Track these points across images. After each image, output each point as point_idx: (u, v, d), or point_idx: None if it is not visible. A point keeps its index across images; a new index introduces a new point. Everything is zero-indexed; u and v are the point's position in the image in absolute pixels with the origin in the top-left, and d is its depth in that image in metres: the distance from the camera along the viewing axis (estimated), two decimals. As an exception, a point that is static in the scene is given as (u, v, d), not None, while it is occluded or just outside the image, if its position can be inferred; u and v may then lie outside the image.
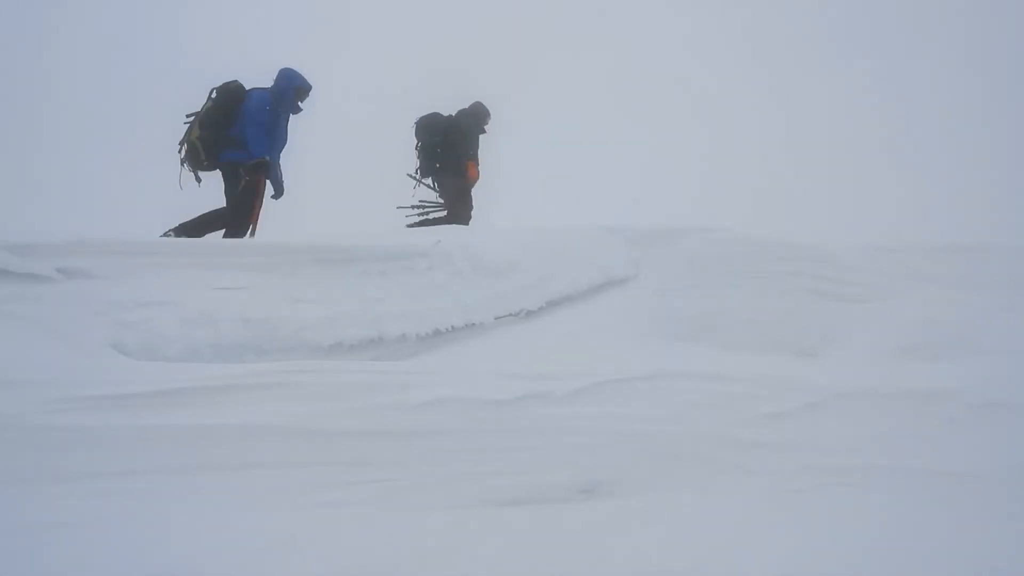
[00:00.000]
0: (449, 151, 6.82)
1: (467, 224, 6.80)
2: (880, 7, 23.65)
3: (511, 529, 2.21)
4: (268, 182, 6.10)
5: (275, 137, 5.99)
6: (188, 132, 5.97)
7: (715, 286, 5.51)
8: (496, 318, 4.97)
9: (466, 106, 7.05)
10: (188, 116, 6.00)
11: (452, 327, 4.75)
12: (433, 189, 7.07)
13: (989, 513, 2.47)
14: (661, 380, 3.34)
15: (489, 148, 7.35)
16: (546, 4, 26.61)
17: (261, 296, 4.32)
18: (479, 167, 6.96)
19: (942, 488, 2.68)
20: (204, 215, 5.91)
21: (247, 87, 6.06)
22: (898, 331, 5.02)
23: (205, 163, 5.90)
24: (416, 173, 6.95)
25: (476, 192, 7.13)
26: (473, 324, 4.85)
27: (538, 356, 4.39)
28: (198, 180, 5.96)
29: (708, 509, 2.42)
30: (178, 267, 4.35)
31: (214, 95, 5.96)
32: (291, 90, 6.01)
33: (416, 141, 6.90)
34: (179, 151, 5.93)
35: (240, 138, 5.82)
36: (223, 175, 5.93)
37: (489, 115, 7.02)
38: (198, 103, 6.12)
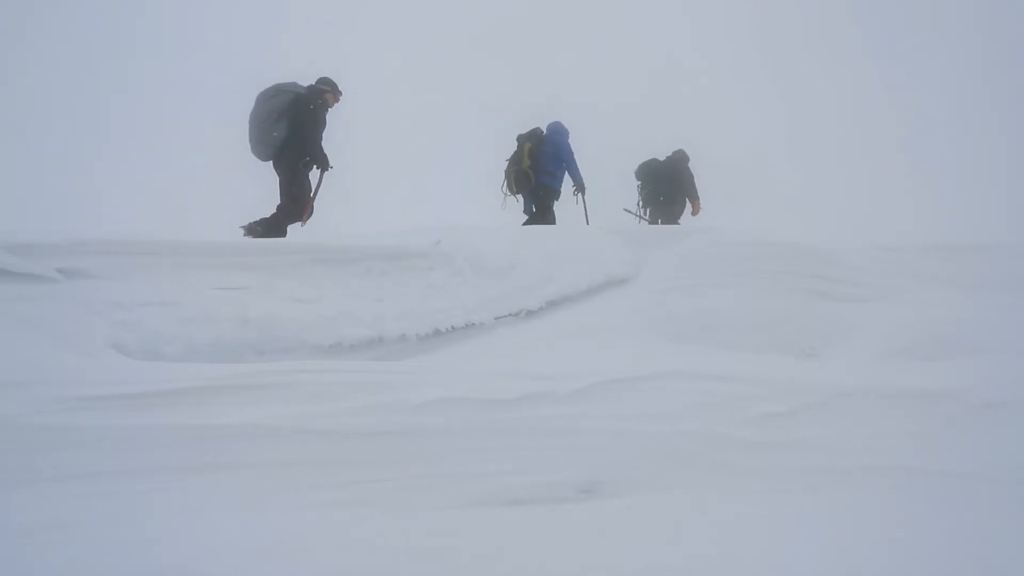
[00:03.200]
0: (669, 186, 8.87)
1: None
2: (883, 6, 23.65)
3: (511, 529, 2.21)
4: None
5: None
6: (516, 164, 8.06)
7: (715, 286, 5.51)
8: (496, 318, 4.97)
9: (671, 152, 9.17)
10: (507, 159, 8.19)
11: (452, 327, 4.75)
12: (642, 215, 9.05)
13: (989, 513, 2.47)
14: (661, 380, 3.34)
15: (489, 148, 7.76)
16: (547, 4, 26.61)
17: (261, 296, 4.31)
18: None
19: (942, 488, 2.68)
20: (532, 218, 8.04)
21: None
22: (898, 331, 5.02)
23: (533, 186, 8.02)
24: (639, 204, 9.07)
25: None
26: (473, 324, 4.85)
27: (538, 356, 4.39)
28: (517, 200, 8.23)
29: (707, 509, 2.42)
30: (178, 267, 4.34)
31: (525, 140, 8.13)
32: (567, 131, 8.27)
33: (637, 182, 9.12)
34: (503, 186, 8.17)
35: (546, 167, 8.03)
36: (537, 194, 8.05)
37: (689, 158, 9.11)
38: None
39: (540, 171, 8.06)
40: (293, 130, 6.43)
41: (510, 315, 5.05)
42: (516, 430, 2.85)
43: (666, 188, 8.84)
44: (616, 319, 5.13)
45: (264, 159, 6.55)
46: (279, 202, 6.62)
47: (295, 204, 6.60)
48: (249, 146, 6.53)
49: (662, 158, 9.19)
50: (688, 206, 9.07)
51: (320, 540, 2.06)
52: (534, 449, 2.77)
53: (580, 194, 8.30)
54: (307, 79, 6.89)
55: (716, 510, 2.41)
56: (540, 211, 8.07)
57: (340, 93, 6.83)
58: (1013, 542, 2.23)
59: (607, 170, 9.32)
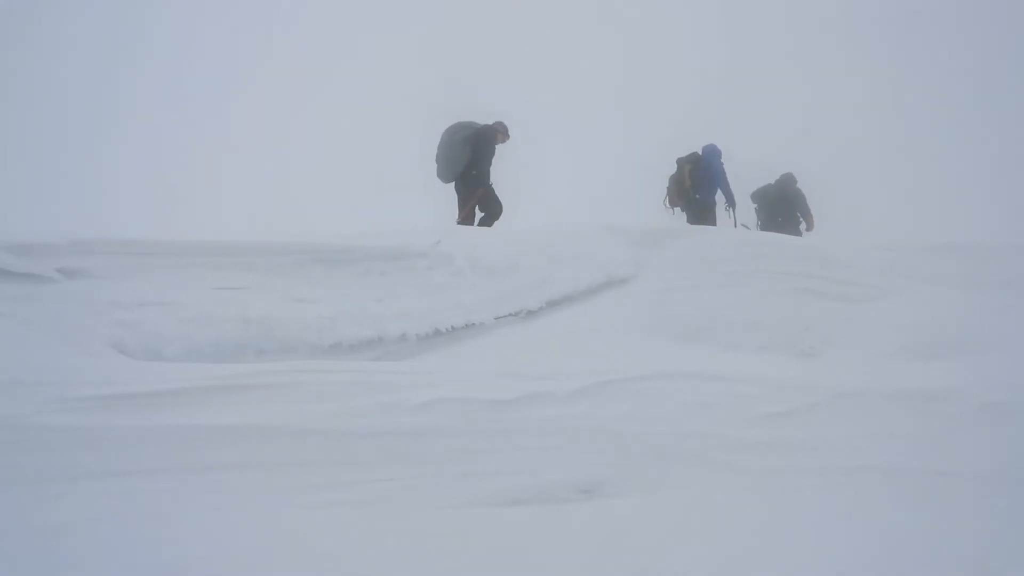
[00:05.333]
0: (783, 207, 9.98)
1: None
2: (882, 7, 23.65)
3: (511, 529, 2.21)
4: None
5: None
6: (677, 183, 9.39)
7: (715, 286, 5.52)
8: (496, 318, 4.97)
9: (777, 178, 10.15)
10: (670, 177, 9.52)
11: (452, 327, 4.75)
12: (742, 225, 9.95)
13: (989, 513, 2.47)
14: (661, 380, 3.34)
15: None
16: (550, 6, 26.58)
17: (261, 296, 4.32)
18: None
19: (942, 488, 2.68)
20: (702, 223, 8.79)
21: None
22: (898, 331, 5.02)
23: (693, 203, 9.32)
24: (757, 225, 9.99)
25: None
26: (473, 324, 4.85)
27: (538, 356, 4.39)
28: (672, 213, 9.42)
29: (708, 509, 2.42)
30: (178, 267, 4.35)
31: (686, 163, 9.36)
32: (719, 152, 9.40)
33: (754, 205, 10.18)
34: (665, 200, 9.52)
35: (704, 184, 9.27)
36: (696, 208, 9.33)
37: (796, 179, 10.15)
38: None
39: (697, 189, 9.45)
40: (474, 157, 7.90)
41: (510, 315, 5.05)
42: (516, 430, 2.85)
43: (781, 209, 9.97)
44: (616, 319, 5.14)
45: (448, 181, 8.01)
46: (458, 215, 7.99)
47: (474, 215, 7.97)
48: (437, 171, 8.00)
49: (772, 182, 10.26)
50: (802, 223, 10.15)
51: (320, 540, 2.06)
52: (534, 449, 2.77)
53: (731, 209, 9.53)
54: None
55: (716, 510, 2.41)
56: (702, 219, 9.19)
57: (508, 136, 8.19)
58: (1013, 542, 2.23)
59: (626, 166, 9.53)
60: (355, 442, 2.65)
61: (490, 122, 8.14)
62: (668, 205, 9.61)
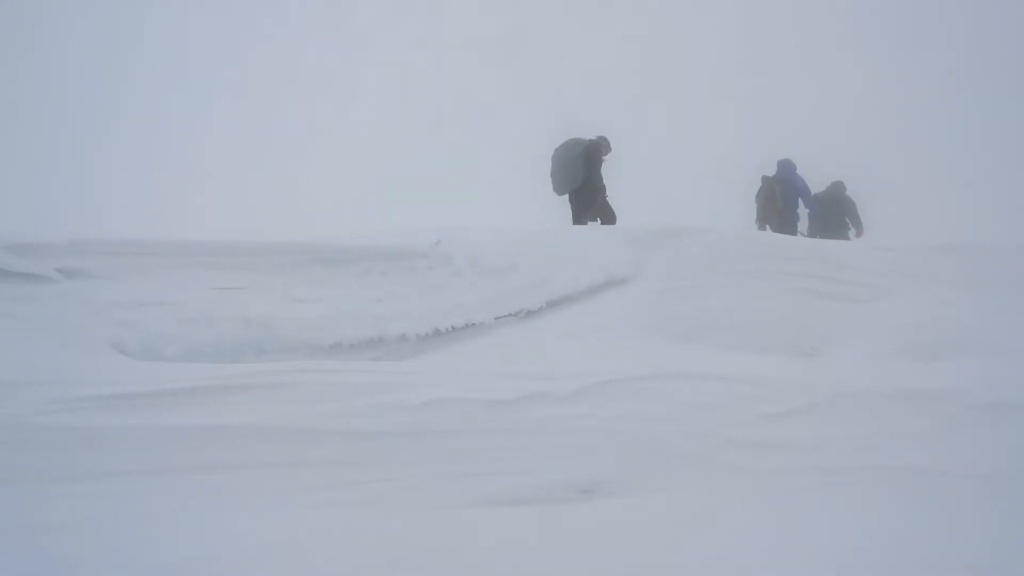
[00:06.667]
0: (834, 214, 10.27)
1: None
2: (884, 8, 23.66)
3: (511, 529, 2.21)
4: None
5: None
6: (767, 202, 9.95)
7: (715, 286, 5.51)
8: (496, 318, 4.97)
9: (827, 186, 10.53)
10: (758, 194, 10.15)
11: (452, 327, 4.75)
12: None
13: (989, 513, 2.47)
14: (661, 380, 3.34)
15: (492, 149, 7.83)
16: (556, 10, 26.56)
17: (261, 296, 4.32)
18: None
19: (942, 488, 2.68)
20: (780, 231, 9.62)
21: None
22: (898, 331, 5.02)
23: (784, 218, 9.85)
24: (807, 229, 10.42)
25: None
26: (473, 324, 4.85)
27: (538, 356, 4.38)
28: (763, 229, 9.86)
29: (708, 509, 2.42)
30: (178, 267, 4.35)
31: (774, 182, 9.97)
32: (794, 165, 10.15)
33: (807, 209, 10.47)
34: (758, 221, 10.06)
35: (792, 201, 9.95)
36: (788, 223, 9.86)
37: (846, 187, 10.51)
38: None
39: (787, 209, 10.04)
40: (588, 171, 8.51)
41: (510, 315, 5.05)
42: (516, 430, 2.85)
43: (831, 215, 10.30)
44: (616, 319, 5.13)
45: (563, 193, 8.62)
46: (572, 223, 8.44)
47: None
48: (552, 186, 8.64)
49: (823, 188, 10.64)
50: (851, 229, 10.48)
51: (320, 540, 2.06)
52: (534, 449, 2.77)
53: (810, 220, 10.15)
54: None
55: (716, 510, 2.41)
56: (793, 232, 9.79)
57: (611, 149, 8.77)
58: (1013, 542, 2.23)
59: (622, 173, 9.46)
60: (355, 442, 2.65)
61: (593, 137, 8.67)
62: (760, 224, 10.02)
